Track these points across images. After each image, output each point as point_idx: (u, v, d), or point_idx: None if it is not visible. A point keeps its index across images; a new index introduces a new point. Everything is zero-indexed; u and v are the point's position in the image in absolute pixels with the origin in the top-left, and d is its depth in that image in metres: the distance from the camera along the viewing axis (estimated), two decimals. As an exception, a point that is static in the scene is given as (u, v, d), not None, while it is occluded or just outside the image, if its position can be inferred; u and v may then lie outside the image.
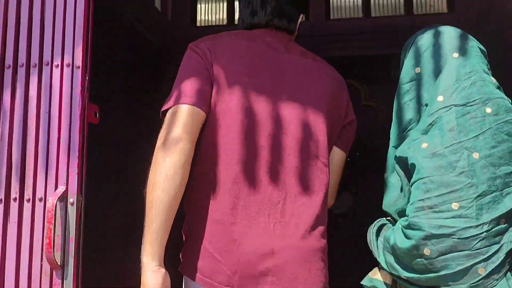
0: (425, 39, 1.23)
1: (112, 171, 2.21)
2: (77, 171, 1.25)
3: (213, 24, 3.42)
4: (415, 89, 1.20)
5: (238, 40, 1.23)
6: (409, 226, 1.06)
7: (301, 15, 1.33)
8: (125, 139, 2.36)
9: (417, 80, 1.20)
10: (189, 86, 1.12)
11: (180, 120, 1.08)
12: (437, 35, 1.21)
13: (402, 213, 1.14)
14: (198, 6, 3.33)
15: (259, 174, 1.14)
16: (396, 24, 2.92)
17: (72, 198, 1.24)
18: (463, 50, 1.18)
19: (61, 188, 1.25)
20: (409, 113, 1.20)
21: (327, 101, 1.24)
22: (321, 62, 1.31)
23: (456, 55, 1.17)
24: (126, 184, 2.23)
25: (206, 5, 3.45)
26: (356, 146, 1.44)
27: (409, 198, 1.11)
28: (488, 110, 1.09)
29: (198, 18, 3.34)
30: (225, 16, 3.37)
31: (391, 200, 1.19)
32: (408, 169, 1.12)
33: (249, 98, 1.16)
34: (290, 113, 1.19)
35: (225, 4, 3.34)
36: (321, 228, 1.18)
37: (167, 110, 1.12)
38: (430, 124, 1.12)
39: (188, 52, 1.20)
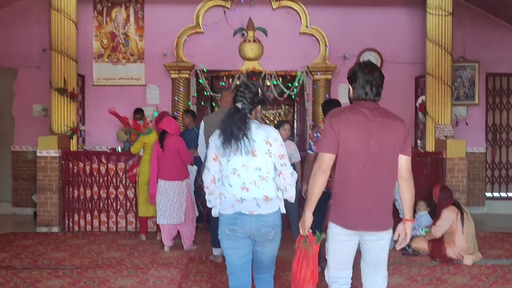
0: None
1: None
2: None
3: None
4: None
5: (350, 115, 2.62)
6: None
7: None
8: None
9: None
10: (326, 142, 2.64)
11: (325, 161, 2.62)
12: None
13: None
14: None
15: (367, 174, 2.61)
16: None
17: None
18: None
19: None
20: None
21: (397, 140, 2.62)
22: (394, 118, 2.64)
23: None
24: None
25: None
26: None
27: None
28: None
29: None
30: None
31: None
32: None
33: (357, 143, 2.59)
34: (377, 147, 2.59)
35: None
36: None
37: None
38: None
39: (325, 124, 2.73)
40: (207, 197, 2.88)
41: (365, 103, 2.62)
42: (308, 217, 2.70)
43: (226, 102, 4.88)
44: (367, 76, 2.60)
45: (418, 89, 8.03)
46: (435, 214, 5.26)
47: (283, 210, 2.87)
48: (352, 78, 2.67)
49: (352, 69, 2.70)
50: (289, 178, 2.79)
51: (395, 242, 2.77)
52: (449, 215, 5.03)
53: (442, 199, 5.19)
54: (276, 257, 2.93)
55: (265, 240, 2.78)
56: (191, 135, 6.16)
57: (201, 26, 7.84)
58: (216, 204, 2.86)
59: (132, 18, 7.86)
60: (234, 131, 2.69)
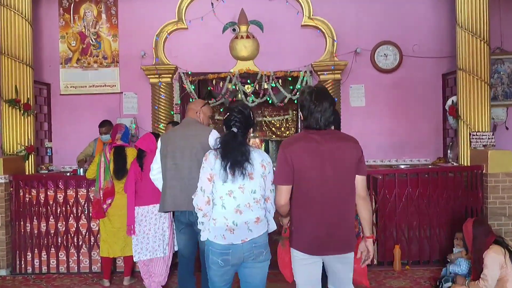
0: None
1: None
2: None
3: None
4: None
5: (302, 143, 2.68)
6: None
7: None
8: None
9: None
10: (281, 173, 2.70)
11: (282, 194, 2.70)
12: None
13: None
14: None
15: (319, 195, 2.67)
16: None
17: None
18: None
19: None
20: None
21: (350, 161, 2.68)
22: (347, 140, 2.74)
23: None
24: None
25: None
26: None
27: None
28: None
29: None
30: None
31: None
32: None
33: (311, 170, 2.64)
34: (332, 171, 2.64)
35: None
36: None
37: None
38: None
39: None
40: (200, 219, 2.93)
41: (316, 130, 2.69)
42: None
43: (194, 114, 3.89)
44: (317, 107, 2.66)
45: (447, 88, 6.68)
46: (471, 255, 3.99)
47: (274, 227, 3.02)
48: (302, 107, 2.73)
49: (302, 97, 2.73)
50: (272, 205, 2.92)
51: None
52: (494, 259, 3.76)
53: (479, 238, 3.90)
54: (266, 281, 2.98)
55: (256, 261, 2.86)
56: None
57: (184, 21, 6.66)
58: (207, 227, 2.90)
59: (104, 15, 6.72)
60: (237, 157, 2.78)
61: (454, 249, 4.69)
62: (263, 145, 8.99)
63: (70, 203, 5.23)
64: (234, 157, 2.77)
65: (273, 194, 2.86)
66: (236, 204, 2.79)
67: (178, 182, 3.61)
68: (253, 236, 2.80)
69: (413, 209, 5.17)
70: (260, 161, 2.84)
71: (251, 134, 3.24)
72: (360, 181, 2.71)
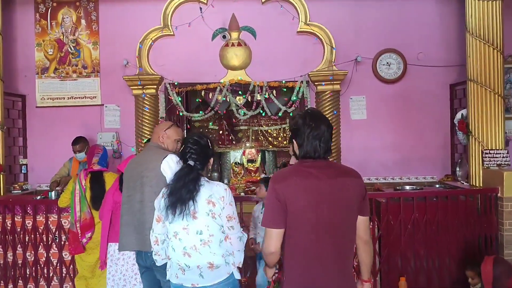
0: None
1: None
2: None
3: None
4: None
5: (298, 179, 2.23)
6: None
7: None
8: None
9: None
10: (272, 215, 2.25)
11: (272, 240, 2.25)
12: None
13: None
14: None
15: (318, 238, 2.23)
16: None
17: None
18: None
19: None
20: None
21: (353, 200, 2.26)
22: (349, 175, 2.29)
23: None
24: None
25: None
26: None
27: None
28: None
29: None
30: None
31: None
32: None
33: (307, 212, 2.20)
34: (331, 212, 2.21)
35: None
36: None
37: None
38: None
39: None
40: (153, 256, 2.77)
41: (313, 161, 2.29)
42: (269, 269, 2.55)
43: (157, 138, 3.38)
44: (314, 131, 2.28)
45: (455, 100, 6.17)
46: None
47: (238, 276, 2.67)
48: (295, 132, 2.34)
49: (294, 122, 2.36)
50: (236, 243, 2.62)
51: None
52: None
53: (500, 279, 3.42)
54: None
55: None
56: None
57: (170, 28, 6.15)
58: (164, 262, 2.75)
59: (83, 21, 6.21)
60: (182, 195, 2.54)
61: (471, 288, 4.17)
62: (259, 155, 8.48)
63: (40, 230, 4.71)
64: (180, 195, 2.54)
65: (233, 231, 2.58)
66: (182, 246, 2.57)
67: (131, 218, 3.14)
68: (204, 284, 2.56)
69: (420, 236, 4.65)
70: (207, 197, 2.54)
71: (211, 164, 2.74)
72: (362, 222, 2.33)
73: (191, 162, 2.63)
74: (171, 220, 2.57)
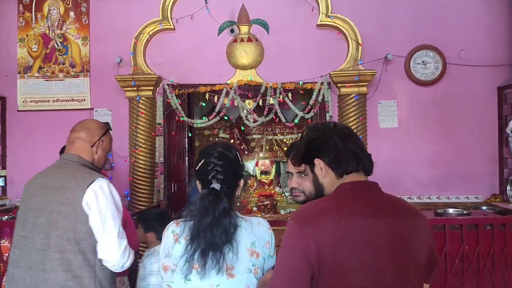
0: None
1: None
2: None
3: None
4: None
5: (340, 218, 1.40)
6: None
7: None
8: None
9: None
10: (289, 275, 1.42)
11: None
12: None
13: None
14: None
15: None
16: None
17: None
18: None
19: None
20: None
21: (421, 253, 1.45)
22: (414, 213, 1.49)
23: None
24: None
25: None
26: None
27: None
28: None
29: None
30: None
31: None
32: None
33: (358, 277, 1.37)
34: (395, 277, 1.39)
35: None
36: None
37: None
38: None
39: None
40: None
41: (357, 182, 1.51)
42: None
43: (87, 149, 2.28)
44: (347, 138, 1.57)
45: (504, 106, 5.24)
46: None
47: None
48: (317, 147, 1.58)
49: (310, 137, 1.60)
50: None
51: None
52: None
53: None
54: None
55: None
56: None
57: (170, 21, 5.37)
58: None
59: (72, 13, 5.47)
60: (215, 237, 1.66)
61: None
62: (273, 166, 7.64)
63: (5, 258, 3.92)
64: (211, 238, 1.67)
65: None
66: None
67: (25, 272, 2.05)
68: None
69: (471, 274, 3.80)
70: (249, 245, 1.73)
71: (240, 190, 1.70)
72: None
73: (216, 185, 1.78)
74: (189, 275, 1.69)
